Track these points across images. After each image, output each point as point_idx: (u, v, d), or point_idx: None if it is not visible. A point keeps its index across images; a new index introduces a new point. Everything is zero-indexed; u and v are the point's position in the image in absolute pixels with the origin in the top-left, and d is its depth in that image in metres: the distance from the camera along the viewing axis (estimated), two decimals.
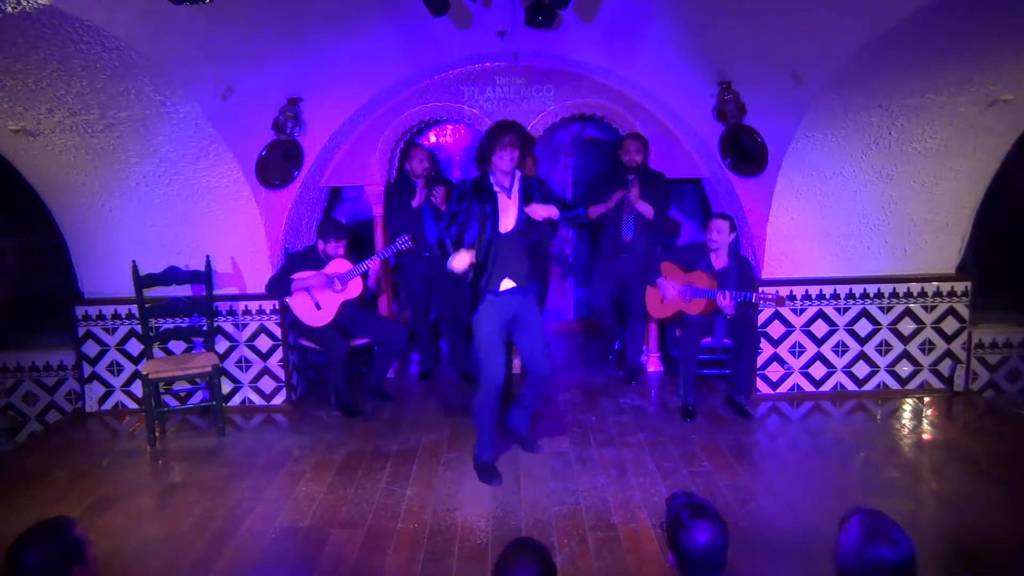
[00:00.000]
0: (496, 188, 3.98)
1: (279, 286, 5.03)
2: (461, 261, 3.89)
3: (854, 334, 5.31)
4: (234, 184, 4.88)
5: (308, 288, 5.05)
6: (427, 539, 3.49)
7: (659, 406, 5.22)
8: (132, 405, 5.35)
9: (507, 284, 4.01)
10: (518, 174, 4.04)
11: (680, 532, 2.01)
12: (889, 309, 5.29)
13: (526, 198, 4.01)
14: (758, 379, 5.35)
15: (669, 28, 4.71)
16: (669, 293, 5.01)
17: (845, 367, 5.36)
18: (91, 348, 5.31)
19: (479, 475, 4.12)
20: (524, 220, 4.01)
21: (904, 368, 5.34)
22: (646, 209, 5.27)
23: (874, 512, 1.93)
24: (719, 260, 4.99)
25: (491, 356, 4.00)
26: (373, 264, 5.12)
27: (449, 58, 5.32)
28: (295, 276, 5.03)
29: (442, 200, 5.51)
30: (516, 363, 5.87)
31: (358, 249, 5.58)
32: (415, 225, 5.52)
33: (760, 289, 4.98)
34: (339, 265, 5.10)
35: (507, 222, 3.99)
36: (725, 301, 4.79)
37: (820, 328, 5.31)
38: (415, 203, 5.53)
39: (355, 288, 5.12)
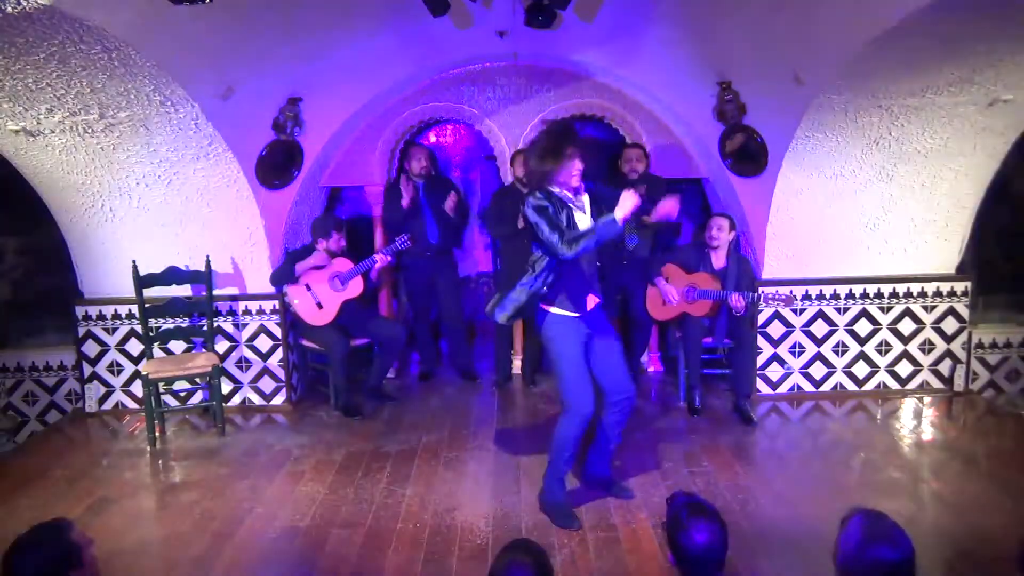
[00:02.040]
0: (568, 203, 3.44)
1: (282, 274, 5.06)
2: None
3: (854, 334, 5.31)
4: (234, 184, 4.88)
5: (309, 286, 5.07)
6: (427, 539, 3.48)
7: (659, 406, 5.22)
8: (132, 405, 5.36)
9: (592, 301, 3.58)
10: (582, 185, 3.51)
11: (680, 532, 2.01)
12: (889, 309, 5.29)
13: (598, 211, 3.48)
14: (758, 379, 5.35)
15: (669, 28, 4.70)
16: (670, 297, 5.00)
17: (845, 367, 5.36)
18: (91, 348, 5.31)
19: (557, 519, 3.58)
20: None
21: (904, 368, 5.34)
22: (669, 214, 4.99)
23: (874, 512, 1.93)
24: (718, 259, 4.99)
25: (583, 383, 3.51)
26: (382, 259, 5.14)
27: (449, 58, 5.33)
28: (300, 265, 5.06)
29: (454, 208, 5.50)
30: (517, 363, 5.89)
31: (358, 249, 5.58)
32: (415, 225, 5.53)
33: (775, 291, 4.93)
34: (340, 264, 5.11)
35: None
36: (740, 303, 4.78)
37: (820, 328, 5.31)
38: (404, 203, 5.52)
39: (356, 287, 5.13)
